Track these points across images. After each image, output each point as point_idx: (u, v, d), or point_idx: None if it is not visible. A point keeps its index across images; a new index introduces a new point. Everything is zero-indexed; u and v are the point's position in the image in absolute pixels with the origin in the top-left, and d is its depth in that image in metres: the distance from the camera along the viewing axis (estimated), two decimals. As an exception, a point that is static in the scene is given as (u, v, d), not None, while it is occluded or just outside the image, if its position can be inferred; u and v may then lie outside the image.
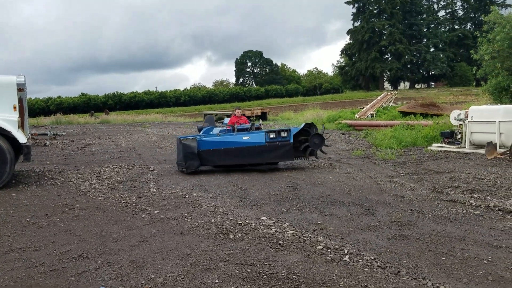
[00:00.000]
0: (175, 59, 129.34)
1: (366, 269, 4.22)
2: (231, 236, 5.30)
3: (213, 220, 5.94)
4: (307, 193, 7.56)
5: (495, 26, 17.77)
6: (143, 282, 4.11)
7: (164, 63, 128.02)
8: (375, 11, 64.34)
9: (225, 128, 11.32)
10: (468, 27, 65.18)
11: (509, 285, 3.75)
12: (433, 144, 13.09)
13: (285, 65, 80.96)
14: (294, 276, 4.12)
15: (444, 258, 4.44)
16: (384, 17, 64.34)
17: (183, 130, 22.88)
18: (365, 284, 3.88)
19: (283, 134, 9.74)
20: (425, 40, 67.94)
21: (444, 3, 63.97)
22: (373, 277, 4.03)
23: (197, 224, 5.81)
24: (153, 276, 4.22)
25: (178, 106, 61.53)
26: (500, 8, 34.57)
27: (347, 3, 64.05)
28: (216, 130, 11.09)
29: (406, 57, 64.53)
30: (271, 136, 9.75)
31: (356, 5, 66.04)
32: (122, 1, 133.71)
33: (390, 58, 69.59)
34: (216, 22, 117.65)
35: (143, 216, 6.40)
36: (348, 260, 4.45)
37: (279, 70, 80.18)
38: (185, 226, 5.75)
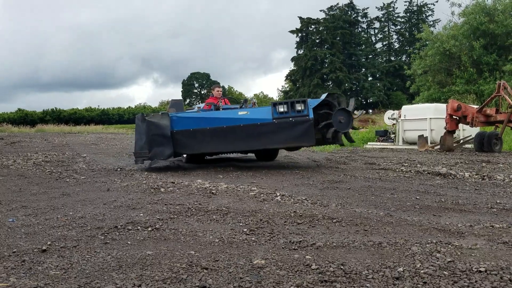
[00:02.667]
0: (121, 80, 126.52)
1: (297, 204, 4.16)
2: (162, 190, 5.04)
3: (144, 181, 5.64)
4: (249, 168, 7.46)
5: (427, 43, 19.07)
6: (59, 216, 3.77)
7: (109, 83, 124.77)
8: (317, 41, 66.94)
9: (196, 109, 8.49)
10: (403, 59, 69.27)
11: (435, 211, 3.82)
12: (368, 143, 13.54)
13: (232, 87, 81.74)
14: (223, 208, 3.97)
15: (373, 198, 4.48)
16: (325, 47, 67.02)
17: (124, 136, 22.08)
18: (294, 210, 3.80)
19: (298, 107, 6.66)
20: (364, 69, 71.28)
21: (381, 36, 67.61)
22: (303, 208, 3.97)
23: (126, 184, 5.49)
24: (71, 213, 3.88)
25: (121, 124, 59.70)
26: (431, 27, 37.05)
27: (291, 32, 66.09)
28: (190, 113, 7.89)
29: (346, 84, 67.43)
30: (281, 109, 6.65)
31: (300, 35, 68.43)
32: (69, 20, 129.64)
33: (331, 85, 72.36)
34: (165, 45, 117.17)
35: (68, 180, 5.97)
36: (280, 199, 4.37)
37: (226, 92, 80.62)
38: (113, 186, 5.41)
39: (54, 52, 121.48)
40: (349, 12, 62.39)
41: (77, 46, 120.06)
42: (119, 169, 7.06)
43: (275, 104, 6.75)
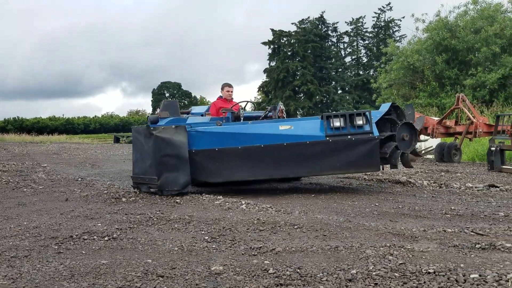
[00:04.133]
0: (88, 89, 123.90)
1: (261, 212, 4.19)
2: (124, 200, 4.97)
3: (105, 191, 5.54)
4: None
5: (392, 57, 19.67)
6: (12, 226, 3.65)
7: (75, 92, 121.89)
8: (289, 53, 67.87)
9: (208, 117, 6.37)
10: (371, 73, 70.93)
11: (392, 217, 3.92)
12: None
13: (205, 98, 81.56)
14: (186, 217, 3.95)
15: (335, 205, 4.56)
16: (297, 59, 68.01)
17: (89, 146, 21.59)
18: (258, 218, 3.82)
19: (358, 122, 5.17)
20: (334, 82, 72.68)
21: (350, 50, 69.16)
22: (266, 215, 4.00)
23: (86, 194, 5.38)
24: (25, 223, 3.77)
25: (87, 133, 58.41)
26: (397, 42, 38.12)
27: (264, 43, 66.89)
28: (194, 120, 6.04)
29: (317, 97, 68.66)
30: (336, 124, 5.15)
31: (272, 46, 69.27)
32: (37, 27, 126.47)
33: (303, 97, 73.36)
34: (136, 54, 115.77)
35: (25, 190, 5.79)
36: (245, 208, 4.39)
37: (198, 102, 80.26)
38: (72, 196, 5.29)
39: (20, 60, 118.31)
40: (320, 26, 63.61)
41: (44, 53, 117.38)
42: (79, 179, 6.89)
43: (328, 117, 5.18)
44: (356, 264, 2.50)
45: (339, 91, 67.38)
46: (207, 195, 5.07)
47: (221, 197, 4.91)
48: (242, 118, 6.11)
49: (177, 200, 4.83)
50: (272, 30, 61.05)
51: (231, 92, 6.81)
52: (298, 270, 2.42)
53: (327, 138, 5.12)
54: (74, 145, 23.09)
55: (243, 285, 2.26)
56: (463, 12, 18.78)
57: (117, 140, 30.08)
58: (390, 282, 2.20)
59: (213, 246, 3.03)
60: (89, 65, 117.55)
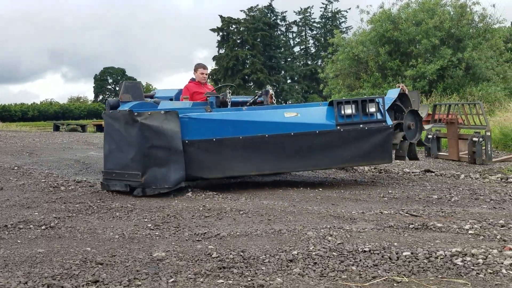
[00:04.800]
0: (25, 74, 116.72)
1: (208, 199, 4.19)
2: (62, 188, 4.77)
3: (43, 180, 5.28)
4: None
5: (338, 48, 20.14)
6: None
7: (12, 77, 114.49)
8: (238, 41, 67.47)
9: (188, 102, 5.40)
10: (319, 63, 72.14)
11: (334, 201, 4.05)
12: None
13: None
14: (129, 205, 3.87)
15: (281, 191, 4.64)
16: (246, 47, 67.80)
17: (26, 134, 20.45)
18: (204, 204, 3.82)
19: (371, 109, 4.66)
20: (283, 72, 73.22)
21: (299, 40, 69.92)
22: (212, 202, 4.01)
23: (22, 182, 5.11)
24: (-46, 214, 3.53)
25: (25, 121, 55.25)
26: (344, 33, 39.08)
27: (212, 30, 66.06)
28: (169, 105, 5.08)
29: (267, 86, 68.26)
30: (347, 112, 4.62)
31: (221, 34, 68.50)
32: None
33: (253, 86, 73.36)
34: (77, 39, 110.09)
35: (-45, 180, 5.40)
36: (191, 195, 4.37)
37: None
38: (7, 185, 5.00)
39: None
40: (269, 14, 63.73)
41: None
42: (16, 168, 6.51)
43: (339, 103, 4.63)
44: (298, 246, 2.56)
45: (289, 81, 68.15)
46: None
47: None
48: (230, 104, 5.34)
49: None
50: (221, 16, 60.31)
51: (206, 74, 6.04)
52: (242, 253, 2.44)
53: (338, 127, 4.57)
54: (11, 133, 21.78)
55: (185, 269, 2.25)
56: (405, 4, 19.52)
57: (56, 128, 28.92)
58: (329, 261, 2.28)
59: (156, 233, 3.00)
60: (26, 50, 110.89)
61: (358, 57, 19.38)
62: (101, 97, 73.26)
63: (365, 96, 4.88)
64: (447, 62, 17.62)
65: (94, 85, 74.37)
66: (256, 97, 5.78)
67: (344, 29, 55.40)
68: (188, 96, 5.77)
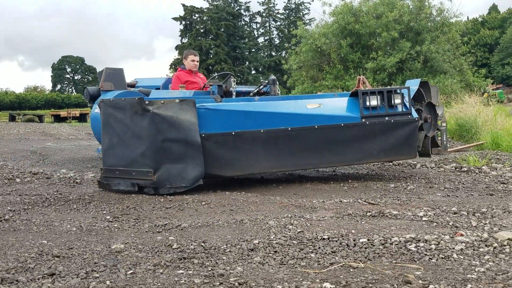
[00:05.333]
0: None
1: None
2: (18, 180, 4.60)
3: (-2, 172, 5.07)
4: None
5: (302, 40, 20.30)
6: None
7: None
8: (201, 30, 66.58)
9: (189, 91, 5.08)
10: (283, 54, 72.50)
11: (296, 191, 4.11)
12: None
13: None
14: (87, 197, 3.78)
15: (245, 181, 4.65)
16: (210, 37, 67.05)
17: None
18: (165, 195, 3.77)
19: (396, 101, 4.39)
20: (247, 62, 73.04)
21: (263, 30, 69.90)
22: (189, 192, 3.97)
23: (-25, 175, 4.88)
24: None
25: (-22, 111, 52.50)
26: (307, 25, 39.35)
27: (175, 19, 64.94)
28: (162, 94, 4.97)
29: (271, 75, 68.06)
30: (373, 103, 4.31)
31: (184, 23, 67.40)
32: None
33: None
34: (33, 27, 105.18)
35: None
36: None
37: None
38: (-42, 177, 4.76)
39: None
40: (232, 4, 63.26)
41: None
42: (-31, 160, 6.23)
43: (364, 94, 4.31)
44: (259, 235, 2.58)
45: (253, 72, 68.08)
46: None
47: (127, 175, 4.75)
48: (234, 94, 4.94)
49: (77, 180, 4.59)
50: (183, 5, 59.37)
51: (197, 62, 5.49)
52: (203, 244, 2.44)
53: (363, 120, 4.25)
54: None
55: (145, 261, 2.23)
56: (366, -3, 19.91)
57: (12, 118, 27.94)
58: (289, 249, 2.31)
59: (115, 225, 2.94)
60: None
61: (320, 49, 19.62)
62: (59, 86, 70.76)
63: (390, 87, 4.45)
64: (406, 55, 18.13)
65: (52, 74, 71.62)
66: (262, 86, 5.27)
67: (308, 21, 55.83)
68: (184, 85, 5.29)
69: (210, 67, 65.20)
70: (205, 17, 61.50)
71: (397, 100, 4.37)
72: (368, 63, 18.42)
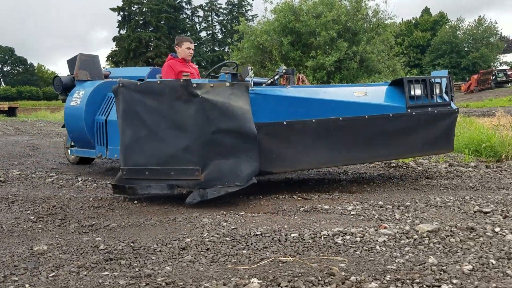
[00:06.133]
0: None
1: (100, 189, 4.01)
2: None
3: None
4: (44, 153, 6.78)
5: (244, 36, 20.36)
6: None
7: None
8: (141, 22, 64.66)
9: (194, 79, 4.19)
10: (226, 50, 72.22)
11: (262, 189, 4.10)
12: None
13: (43, 65, 73.08)
14: (10, 196, 3.56)
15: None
16: (150, 29, 65.32)
17: None
18: (96, 195, 3.63)
19: (437, 90, 4.15)
20: (189, 56, 71.38)
21: (205, 25, 69.24)
22: (105, 191, 3.84)
23: None
24: None
25: None
26: (249, 21, 39.37)
27: (112, 9, 62.56)
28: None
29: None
30: (417, 93, 4.03)
31: (122, 13, 65.10)
32: None
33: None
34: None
35: None
36: (81, 185, 4.14)
37: (35, 70, 71.64)
38: None
39: None
40: (174, -3, 62.03)
41: None
42: None
43: (410, 82, 4.00)
44: (192, 233, 2.55)
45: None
46: (38, 172, 4.62)
47: (54, 174, 4.53)
48: (252, 85, 4.12)
49: (0, 179, 4.29)
50: (122, -5, 57.28)
51: (193, 50, 4.95)
52: (132, 244, 2.37)
53: (409, 110, 3.92)
54: None
55: (68, 263, 2.13)
56: (306, -3, 20.33)
57: None
58: (221, 246, 2.31)
59: (39, 226, 2.78)
60: None
61: (262, 46, 19.80)
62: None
63: (432, 76, 4.22)
64: (343, 54, 18.76)
65: (-24, 64, 66.43)
66: (277, 76, 4.70)
67: (250, 17, 56.05)
68: (189, 73, 4.80)
69: (150, 60, 63.56)
70: (144, 9, 59.73)
71: (437, 90, 4.12)
72: (308, 61, 18.84)
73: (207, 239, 2.40)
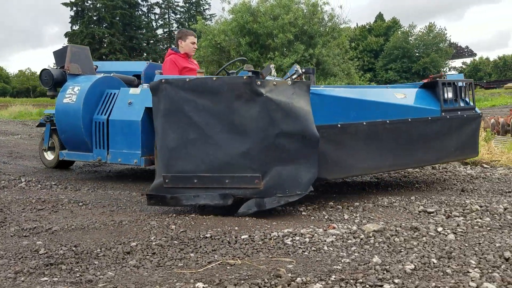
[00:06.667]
0: None
1: (44, 190, 3.82)
2: None
3: None
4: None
5: (201, 35, 20.14)
6: None
7: None
8: (94, 18, 62.90)
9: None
10: (183, 48, 70.89)
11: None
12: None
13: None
14: None
15: (130, 179, 4.46)
16: (104, 25, 63.64)
17: None
18: (39, 196, 3.46)
19: (463, 94, 4.11)
20: (145, 54, 70.57)
21: (162, 22, 68.20)
22: (49, 193, 3.67)
23: None
24: None
25: None
26: (208, 21, 39.23)
27: (64, 4, 60.46)
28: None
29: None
30: (449, 96, 3.95)
31: (75, 9, 63.12)
32: None
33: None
34: None
35: None
36: (24, 186, 3.93)
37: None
38: None
39: None
40: (130, -7, 60.71)
41: None
42: None
43: (444, 84, 3.90)
44: (138, 236, 2.48)
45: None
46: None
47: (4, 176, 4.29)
48: None
49: None
50: (75, -10, 55.43)
51: (196, 44, 4.67)
52: (74, 248, 2.26)
53: (443, 114, 3.81)
54: None
55: (5, 268, 2.00)
56: (264, -2, 20.42)
57: None
58: (168, 250, 2.25)
59: (-26, 230, 2.61)
60: None
61: (220, 46, 19.69)
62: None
63: (464, 79, 4.17)
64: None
65: None
66: (295, 75, 4.20)
67: (208, 16, 55.69)
68: (203, 70, 4.49)
69: (104, 57, 61.74)
70: (98, 4, 58.03)
71: (463, 93, 4.09)
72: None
73: (153, 243, 2.34)
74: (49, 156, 4.96)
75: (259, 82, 2.89)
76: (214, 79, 3.00)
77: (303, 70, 4.04)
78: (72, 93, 4.25)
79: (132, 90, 4.16)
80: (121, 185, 4.12)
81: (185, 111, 2.99)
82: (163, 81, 3.06)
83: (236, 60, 4.88)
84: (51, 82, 4.26)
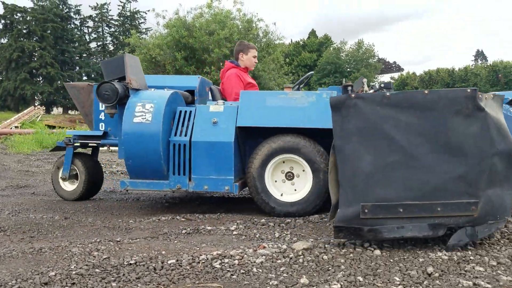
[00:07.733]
0: None
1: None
2: None
3: None
4: None
5: (136, 49, 19.72)
6: None
7: None
8: (24, 31, 60.17)
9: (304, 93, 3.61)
10: (118, 62, 69.06)
11: (117, 211, 3.86)
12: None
13: None
14: None
15: (55, 201, 4.20)
16: (34, 39, 60.95)
17: None
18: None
19: None
20: (78, 68, 68.26)
21: (96, 35, 66.32)
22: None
23: None
24: None
25: None
26: (143, 34, 38.54)
27: (-6, 16, 56.98)
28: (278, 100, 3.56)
29: (59, 82, 63.59)
30: None
31: (3, 22, 60.18)
32: None
33: (42, 81, 66.68)
34: None
35: None
36: None
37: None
38: None
39: None
40: (61, 6, 58.64)
41: None
42: None
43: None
44: (58, 265, 2.32)
45: (84, 77, 63.64)
46: None
47: None
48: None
49: None
50: (3, 3, 52.89)
51: (255, 55, 4.36)
52: (-16, 282, 2.07)
53: None
54: None
55: None
56: (199, 14, 20.42)
57: None
58: (89, 279, 2.12)
59: None
60: None
61: (155, 60, 19.39)
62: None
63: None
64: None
65: None
66: (302, 84, 4.18)
67: (144, 30, 54.85)
68: (291, 85, 4.02)
69: (34, 71, 58.78)
70: (28, 17, 55.46)
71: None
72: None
73: (74, 272, 2.20)
74: (68, 186, 4.27)
75: (480, 96, 2.59)
76: (426, 92, 2.67)
77: (383, 85, 3.78)
78: (145, 111, 3.57)
79: (213, 108, 3.67)
80: (45, 208, 3.87)
81: (385, 130, 2.66)
82: (352, 96, 2.72)
83: (309, 75, 4.45)
84: (115, 98, 3.65)
